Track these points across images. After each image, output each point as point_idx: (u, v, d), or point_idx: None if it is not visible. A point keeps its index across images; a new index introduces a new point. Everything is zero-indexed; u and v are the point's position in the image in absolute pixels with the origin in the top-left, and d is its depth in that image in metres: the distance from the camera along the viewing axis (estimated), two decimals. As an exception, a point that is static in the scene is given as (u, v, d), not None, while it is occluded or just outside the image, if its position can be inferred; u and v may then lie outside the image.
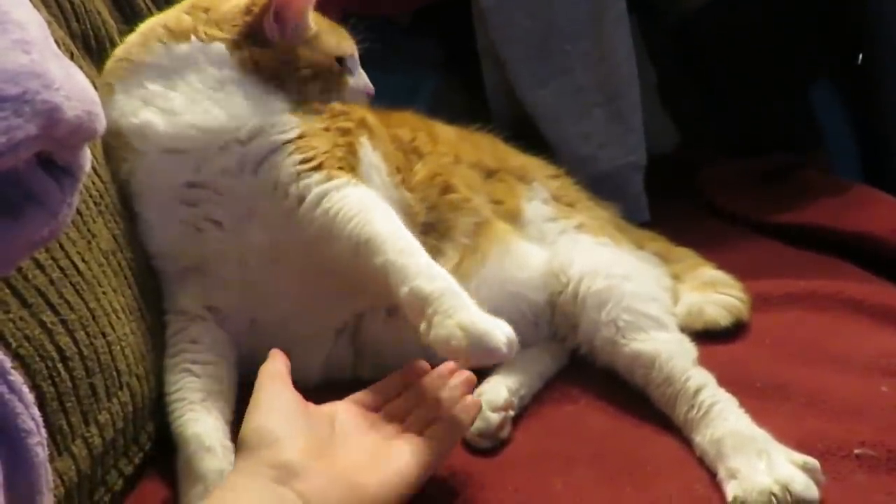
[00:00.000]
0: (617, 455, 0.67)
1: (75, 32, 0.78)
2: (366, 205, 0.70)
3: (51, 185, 0.38)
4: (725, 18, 1.36)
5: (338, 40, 0.82)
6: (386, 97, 0.88)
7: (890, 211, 1.07)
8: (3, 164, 0.34)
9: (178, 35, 0.75)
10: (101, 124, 0.40)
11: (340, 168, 0.73)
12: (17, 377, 0.39)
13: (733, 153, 1.38)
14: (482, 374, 0.74)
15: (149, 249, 0.75)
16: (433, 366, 0.68)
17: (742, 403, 0.67)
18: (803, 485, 0.57)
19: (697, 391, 0.69)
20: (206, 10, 0.77)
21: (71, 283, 0.60)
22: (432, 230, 0.80)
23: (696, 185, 1.29)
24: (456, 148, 0.89)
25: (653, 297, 0.80)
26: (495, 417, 0.70)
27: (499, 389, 0.72)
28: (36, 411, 0.40)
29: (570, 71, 1.15)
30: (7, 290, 0.54)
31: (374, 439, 0.60)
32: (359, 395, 0.65)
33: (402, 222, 0.71)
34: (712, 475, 0.63)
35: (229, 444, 0.66)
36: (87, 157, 0.41)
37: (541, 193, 0.91)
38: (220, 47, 0.74)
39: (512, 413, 0.72)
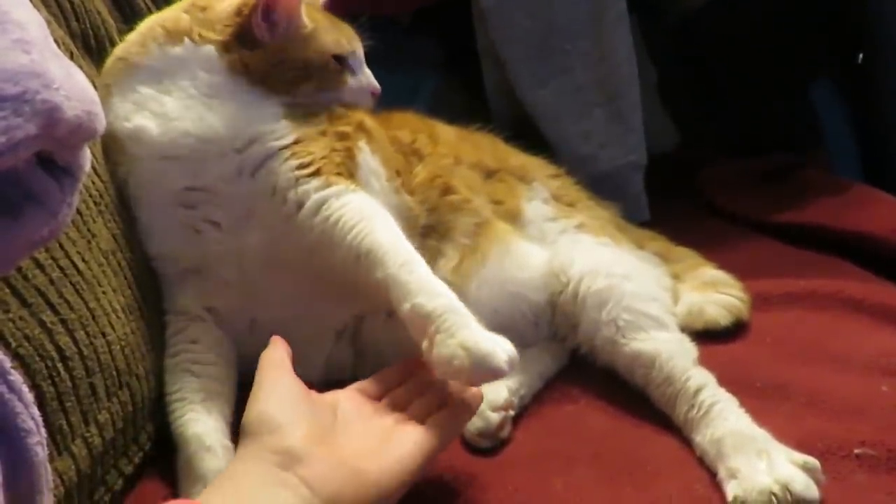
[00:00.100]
0: (617, 455, 0.67)
1: (75, 32, 0.78)
2: (366, 214, 0.70)
3: (51, 185, 0.38)
4: (726, 18, 1.35)
5: (336, 38, 0.81)
6: (386, 97, 0.88)
7: (890, 210, 1.07)
8: (3, 164, 0.34)
9: (174, 36, 0.74)
10: (101, 124, 0.40)
11: (339, 174, 0.73)
12: (16, 377, 0.39)
13: (733, 153, 1.38)
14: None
15: (148, 251, 0.75)
16: None
17: (742, 403, 0.67)
18: (803, 484, 0.57)
19: (698, 391, 0.69)
20: (204, 9, 0.76)
21: (71, 282, 0.60)
22: (433, 232, 0.80)
23: (697, 185, 1.29)
24: (456, 149, 0.89)
25: (653, 296, 0.80)
26: (495, 417, 0.70)
27: (499, 389, 0.72)
28: (36, 411, 0.40)
29: (570, 70, 1.14)
30: (7, 290, 0.54)
31: (376, 427, 0.60)
32: (361, 384, 0.65)
33: (402, 226, 0.71)
34: (712, 475, 0.63)
35: (229, 444, 0.66)
36: (87, 157, 0.41)
37: (541, 193, 0.91)
38: (210, 50, 0.74)
39: (512, 413, 0.72)
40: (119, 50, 0.77)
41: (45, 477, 0.40)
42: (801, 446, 0.62)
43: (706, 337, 0.81)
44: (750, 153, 1.35)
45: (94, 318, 0.62)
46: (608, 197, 0.99)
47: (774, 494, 0.57)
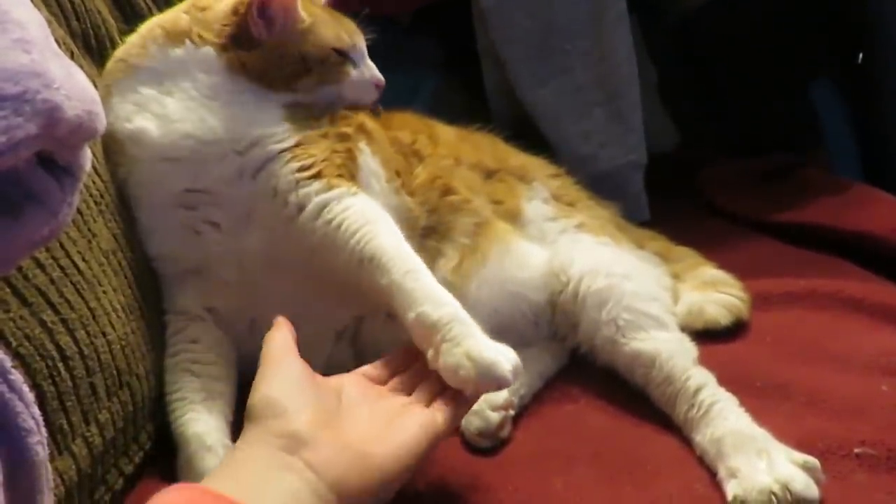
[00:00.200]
0: (617, 454, 0.67)
1: (75, 31, 0.78)
2: (369, 218, 0.70)
3: (51, 185, 0.38)
4: (726, 18, 1.35)
5: (337, 32, 0.81)
6: (386, 97, 0.88)
7: (890, 210, 1.07)
8: (4, 164, 0.34)
9: (174, 38, 0.74)
10: (102, 124, 0.40)
11: (340, 175, 0.73)
12: (17, 376, 0.39)
13: (733, 152, 1.38)
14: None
15: (148, 252, 0.75)
16: None
17: (742, 402, 0.67)
18: (803, 484, 0.57)
19: (697, 390, 0.69)
20: (203, 10, 0.76)
21: (71, 282, 0.60)
22: (432, 232, 0.80)
23: (697, 185, 1.29)
24: (456, 149, 0.89)
25: (653, 296, 0.80)
26: (495, 417, 0.70)
27: (499, 389, 0.72)
28: (36, 410, 0.40)
29: (570, 70, 1.14)
30: (7, 290, 0.54)
31: (381, 411, 0.60)
32: (366, 368, 0.65)
33: (402, 227, 0.71)
34: (712, 474, 0.63)
35: (230, 443, 0.66)
36: (88, 157, 0.41)
37: (541, 193, 0.91)
38: (209, 52, 0.74)
39: (512, 412, 0.72)
40: (119, 52, 0.77)
41: (45, 476, 0.40)
42: (801, 446, 0.62)
43: (706, 336, 0.81)
44: (750, 153, 1.35)
45: (94, 317, 0.62)
46: (608, 196, 0.99)
47: (774, 494, 0.57)
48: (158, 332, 0.74)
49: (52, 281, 0.58)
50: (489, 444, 0.70)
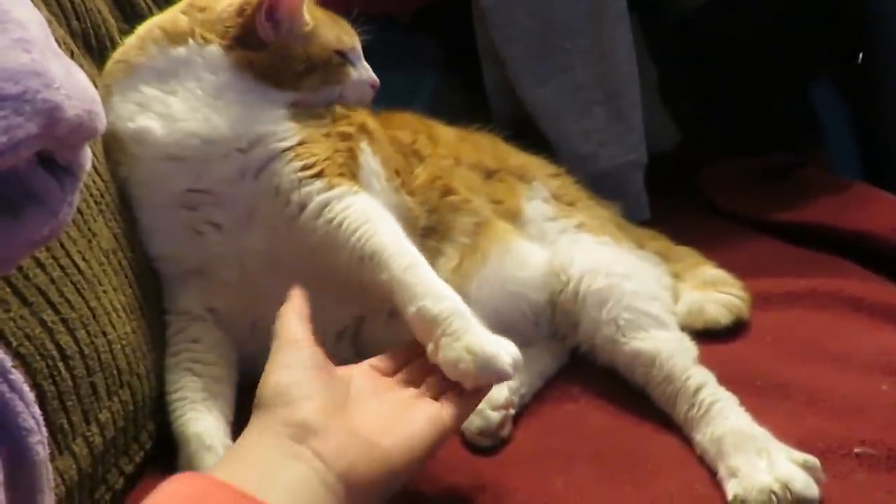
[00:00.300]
0: (617, 453, 0.67)
1: (76, 31, 0.78)
2: (369, 216, 0.70)
3: (51, 184, 0.38)
4: (726, 17, 1.35)
5: (337, 33, 0.81)
6: (386, 96, 0.88)
7: (890, 209, 1.07)
8: (4, 163, 0.34)
9: (175, 37, 0.74)
10: (102, 123, 0.40)
11: (341, 174, 0.73)
12: (17, 376, 0.39)
13: (734, 152, 1.38)
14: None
15: (149, 252, 0.75)
16: None
17: (742, 402, 0.67)
18: (804, 483, 0.57)
19: (698, 389, 0.69)
20: (202, 10, 0.76)
21: (71, 281, 0.60)
22: (433, 232, 0.81)
23: (697, 184, 1.29)
24: (456, 150, 0.89)
25: (653, 295, 0.80)
26: (496, 416, 0.70)
27: (499, 388, 0.72)
28: (36, 410, 0.40)
29: (570, 69, 1.14)
30: (7, 289, 0.54)
31: (390, 402, 0.60)
32: (375, 360, 0.65)
33: (403, 227, 0.71)
34: (712, 474, 0.63)
35: (230, 443, 0.66)
36: (88, 156, 0.41)
37: (541, 192, 0.91)
38: (215, 50, 0.74)
39: (512, 411, 0.72)
40: (117, 54, 0.77)
41: (45, 476, 0.40)
42: (801, 445, 0.62)
43: (706, 336, 0.81)
44: (750, 152, 1.35)
45: (94, 317, 0.62)
46: (608, 196, 0.99)
47: (774, 493, 0.57)
48: (159, 332, 0.74)
49: (53, 280, 0.58)
50: (490, 444, 0.70)
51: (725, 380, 0.70)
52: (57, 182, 0.38)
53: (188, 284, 0.75)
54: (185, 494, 0.46)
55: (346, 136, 0.77)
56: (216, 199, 0.72)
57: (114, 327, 0.64)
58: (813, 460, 0.60)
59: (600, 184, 1.02)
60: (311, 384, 0.56)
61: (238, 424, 0.60)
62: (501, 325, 0.66)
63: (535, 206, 0.89)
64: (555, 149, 1.13)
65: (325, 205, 0.70)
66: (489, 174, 0.90)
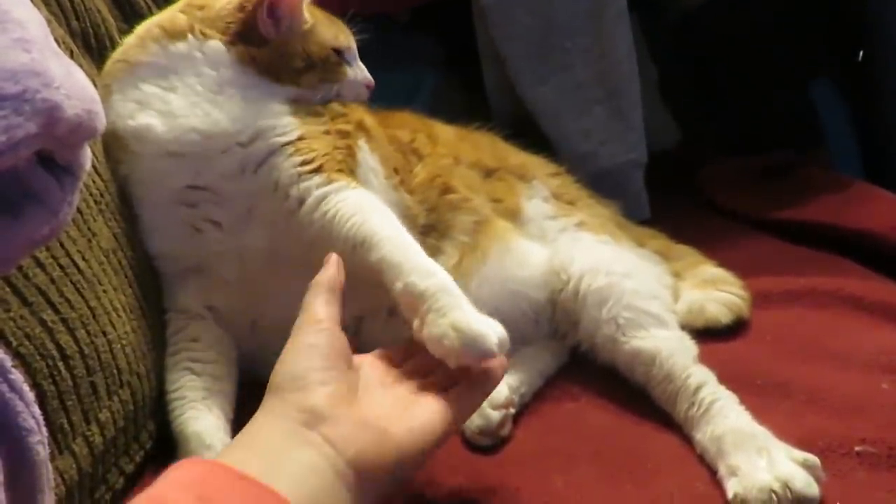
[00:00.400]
0: (617, 452, 0.67)
1: (75, 31, 0.78)
2: (363, 206, 0.70)
3: (51, 184, 0.38)
4: (726, 16, 1.35)
5: (335, 32, 0.82)
6: (386, 95, 0.88)
7: (890, 208, 1.06)
8: (3, 163, 0.34)
9: (174, 34, 0.74)
10: (102, 123, 0.40)
11: (340, 171, 0.73)
12: (17, 375, 0.39)
13: (734, 151, 1.38)
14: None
15: (148, 250, 0.75)
16: None
17: (742, 401, 0.67)
18: (804, 482, 0.57)
19: (698, 388, 0.69)
20: (201, 8, 0.77)
21: (71, 281, 0.60)
22: (432, 231, 0.81)
23: (697, 183, 1.29)
24: (455, 149, 0.89)
25: (653, 294, 0.80)
26: (496, 415, 0.70)
27: (499, 387, 0.72)
28: (36, 410, 0.39)
29: (570, 68, 1.14)
30: (7, 289, 0.54)
31: (399, 392, 0.59)
32: (384, 351, 0.64)
33: (402, 224, 0.71)
34: (713, 472, 0.63)
35: (230, 441, 0.66)
36: (88, 156, 0.41)
37: (541, 191, 0.91)
38: (217, 45, 0.74)
39: (513, 411, 0.72)
40: (116, 54, 0.77)
41: (46, 476, 0.40)
42: (801, 444, 0.62)
43: (707, 334, 0.81)
44: (750, 151, 1.35)
45: (94, 316, 0.62)
46: (608, 195, 0.99)
47: (775, 492, 0.57)
48: (159, 331, 0.74)
49: (53, 280, 0.58)
50: (490, 443, 0.70)
51: (726, 378, 0.70)
52: (57, 182, 0.38)
53: (188, 282, 0.75)
54: (186, 480, 0.46)
55: (344, 134, 0.77)
56: (216, 196, 0.72)
57: (114, 327, 0.64)
58: (813, 459, 0.60)
59: (600, 182, 1.02)
60: (325, 371, 0.56)
61: (238, 422, 0.60)
62: (501, 323, 0.65)
63: (535, 204, 0.89)
64: (555, 147, 1.13)
65: (323, 198, 0.71)
66: (489, 173, 0.90)
